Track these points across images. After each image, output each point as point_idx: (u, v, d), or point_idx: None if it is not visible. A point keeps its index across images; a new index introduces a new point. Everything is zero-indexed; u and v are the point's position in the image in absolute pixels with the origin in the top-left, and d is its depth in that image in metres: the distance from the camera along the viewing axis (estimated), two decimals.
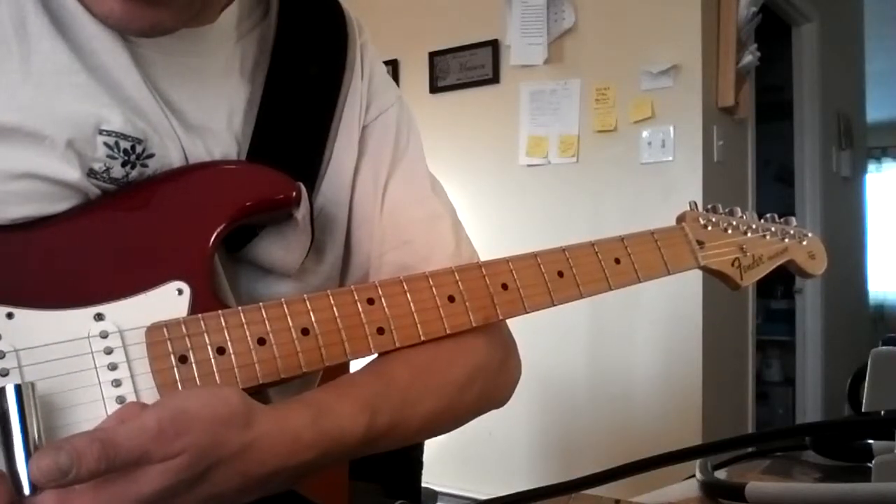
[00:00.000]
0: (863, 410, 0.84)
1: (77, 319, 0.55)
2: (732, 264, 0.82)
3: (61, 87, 0.59)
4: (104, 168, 0.60)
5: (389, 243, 0.75)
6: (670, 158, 2.89)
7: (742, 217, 0.85)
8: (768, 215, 0.88)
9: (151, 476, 0.48)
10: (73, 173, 0.59)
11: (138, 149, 0.61)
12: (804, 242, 0.88)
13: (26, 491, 0.46)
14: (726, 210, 0.85)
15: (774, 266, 0.85)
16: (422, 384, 0.66)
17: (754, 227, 0.85)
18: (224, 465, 0.51)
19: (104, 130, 0.60)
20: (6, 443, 0.47)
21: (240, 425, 0.52)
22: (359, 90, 0.75)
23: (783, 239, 0.87)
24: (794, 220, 0.90)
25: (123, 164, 0.61)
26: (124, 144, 0.61)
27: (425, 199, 0.78)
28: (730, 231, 0.83)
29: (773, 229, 0.86)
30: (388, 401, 0.62)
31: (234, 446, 0.52)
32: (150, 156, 0.62)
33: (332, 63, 0.73)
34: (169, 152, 0.63)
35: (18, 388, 0.48)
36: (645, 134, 2.93)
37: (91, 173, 0.60)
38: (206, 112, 0.67)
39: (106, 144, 0.60)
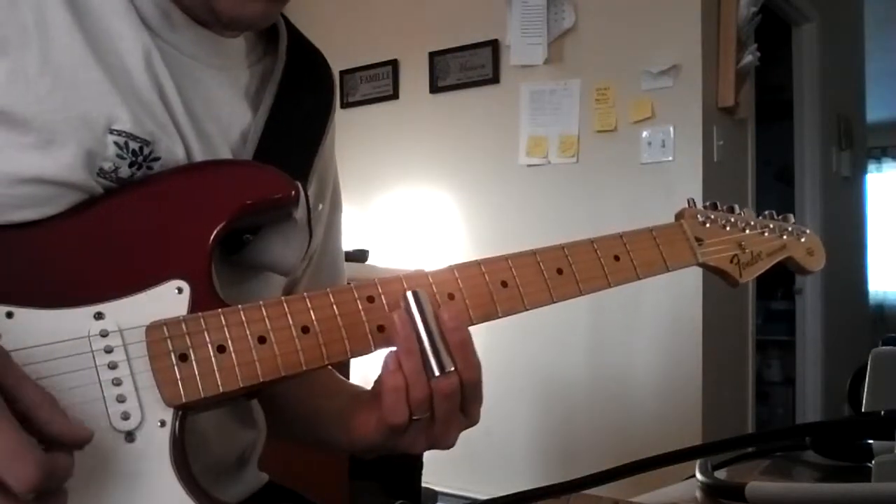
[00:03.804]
0: (863, 410, 0.84)
1: (77, 318, 0.55)
2: (731, 261, 0.82)
3: (77, 82, 0.59)
4: (113, 168, 0.60)
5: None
6: (670, 158, 2.89)
7: (740, 214, 0.85)
8: (766, 212, 0.88)
9: None
10: (81, 174, 0.59)
11: (146, 150, 0.62)
12: (802, 239, 0.88)
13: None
14: (725, 207, 0.85)
15: (773, 263, 0.85)
16: None
17: (752, 224, 0.85)
18: None
19: (115, 130, 0.60)
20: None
21: None
22: (331, 133, 0.82)
23: (781, 236, 0.87)
24: (792, 218, 0.89)
25: (131, 165, 0.61)
26: (133, 145, 0.61)
27: (338, 254, 0.89)
28: (728, 228, 0.83)
29: (771, 226, 0.86)
30: None
31: None
32: (156, 159, 0.63)
33: (323, 104, 0.80)
34: (175, 156, 0.64)
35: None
36: (645, 134, 2.94)
37: (100, 172, 0.60)
38: (217, 123, 0.69)
39: (116, 144, 0.60)
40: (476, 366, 0.62)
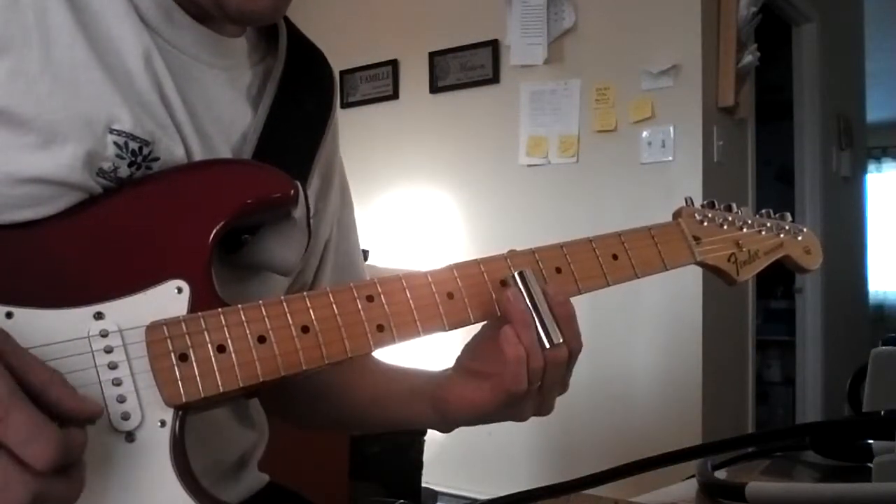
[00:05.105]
0: (863, 410, 0.84)
1: (77, 318, 0.55)
2: (728, 259, 0.81)
3: (77, 82, 0.59)
4: (112, 168, 0.60)
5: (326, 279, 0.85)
6: (670, 158, 2.89)
7: (738, 213, 0.85)
8: (763, 211, 0.88)
9: None
10: (81, 174, 0.59)
11: (145, 150, 0.62)
12: (799, 238, 0.88)
13: None
14: (722, 206, 0.85)
15: (770, 261, 0.85)
16: None
17: (750, 222, 0.85)
18: None
19: (115, 130, 0.60)
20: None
21: None
22: (332, 131, 0.82)
23: (779, 234, 0.86)
24: (789, 216, 0.89)
25: (130, 165, 0.61)
26: (133, 145, 0.61)
27: (356, 252, 0.90)
28: (725, 227, 0.83)
29: (768, 225, 0.86)
30: None
31: None
32: (156, 159, 0.63)
33: (323, 103, 0.80)
34: (174, 156, 0.64)
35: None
36: (645, 134, 2.94)
37: (100, 172, 0.60)
38: (218, 123, 0.69)
39: (116, 144, 0.60)
40: (580, 336, 0.67)
